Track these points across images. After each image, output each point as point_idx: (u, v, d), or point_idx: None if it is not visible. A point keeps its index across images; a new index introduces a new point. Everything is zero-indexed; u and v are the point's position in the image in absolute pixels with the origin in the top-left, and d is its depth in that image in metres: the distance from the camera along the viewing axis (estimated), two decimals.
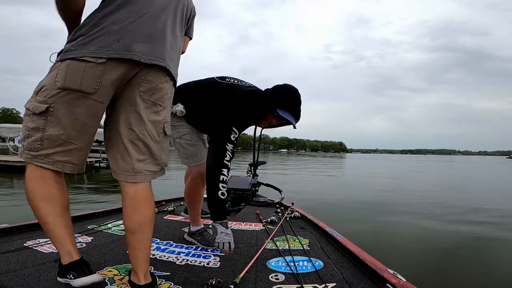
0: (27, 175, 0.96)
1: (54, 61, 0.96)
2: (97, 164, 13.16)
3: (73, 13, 0.95)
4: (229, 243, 1.32)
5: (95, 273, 0.98)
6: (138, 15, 0.97)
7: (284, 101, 1.37)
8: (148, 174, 1.04)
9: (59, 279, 1.00)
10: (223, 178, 1.33)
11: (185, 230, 1.82)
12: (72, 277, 0.94)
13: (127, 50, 0.94)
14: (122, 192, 1.03)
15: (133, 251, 1.00)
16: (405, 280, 1.07)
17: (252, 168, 3.24)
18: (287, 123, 1.43)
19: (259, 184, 3.10)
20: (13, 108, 65.59)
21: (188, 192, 1.66)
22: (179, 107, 1.51)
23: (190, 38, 1.32)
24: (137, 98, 0.99)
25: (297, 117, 1.41)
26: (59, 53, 0.96)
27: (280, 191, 2.95)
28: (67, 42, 0.95)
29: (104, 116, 1.04)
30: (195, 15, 1.27)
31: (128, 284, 1.02)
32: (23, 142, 0.95)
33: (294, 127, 1.41)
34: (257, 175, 3.22)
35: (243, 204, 2.66)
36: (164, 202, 2.54)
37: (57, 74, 0.90)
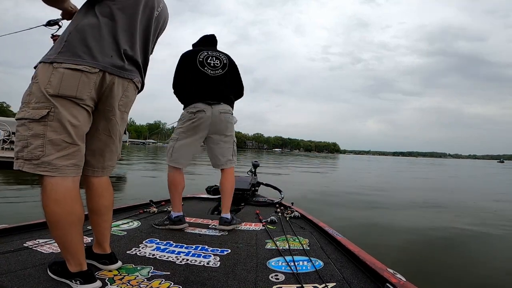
0: (46, 194, 0.96)
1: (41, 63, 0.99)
2: None
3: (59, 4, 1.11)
4: None
5: (97, 280, 1.05)
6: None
7: None
8: (111, 169, 1.22)
9: (51, 274, 1.06)
10: None
11: (186, 231, 1.83)
12: (78, 283, 1.01)
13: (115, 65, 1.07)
14: (87, 182, 1.16)
15: (101, 230, 1.20)
16: (405, 280, 1.08)
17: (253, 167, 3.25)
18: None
19: (258, 184, 3.10)
20: (3, 102, 64.95)
21: (230, 186, 2.02)
22: (236, 118, 2.09)
23: None
24: (116, 110, 1.12)
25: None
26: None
27: (280, 191, 2.96)
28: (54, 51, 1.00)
29: None
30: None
31: (128, 283, 1.06)
32: (20, 153, 0.94)
33: None
34: (256, 175, 3.23)
35: (242, 204, 2.67)
36: (163, 203, 2.53)
37: (49, 82, 0.94)
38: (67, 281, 1.02)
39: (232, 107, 2.05)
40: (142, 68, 1.22)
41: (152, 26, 1.22)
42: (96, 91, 1.03)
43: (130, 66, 1.12)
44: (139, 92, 1.29)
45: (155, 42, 1.35)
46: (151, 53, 1.38)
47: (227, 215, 1.92)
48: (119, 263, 1.23)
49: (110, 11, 1.04)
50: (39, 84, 0.95)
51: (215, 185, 2.94)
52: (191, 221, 2.05)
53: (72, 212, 0.98)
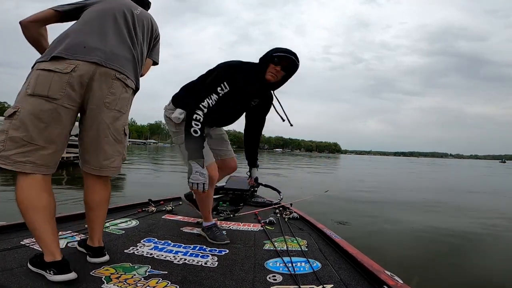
0: (17, 185, 1.04)
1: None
2: (77, 161, 12.15)
3: (33, 40, 1.22)
4: (203, 184, 1.38)
5: (71, 272, 1.05)
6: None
7: (277, 49, 1.51)
8: (112, 169, 1.24)
9: (30, 266, 1.09)
10: (195, 117, 1.41)
11: (184, 230, 1.83)
12: (52, 273, 1.03)
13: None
14: (85, 177, 1.23)
15: (91, 224, 1.25)
16: (402, 282, 1.07)
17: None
18: (289, 66, 1.50)
19: (258, 184, 3.09)
20: (4, 102, 65.43)
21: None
22: (175, 114, 1.60)
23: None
24: (103, 108, 1.15)
25: (292, 53, 1.49)
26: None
27: (279, 192, 2.95)
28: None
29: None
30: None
31: (125, 282, 1.08)
32: None
33: (297, 61, 1.51)
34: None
35: (241, 204, 2.66)
36: (162, 202, 2.53)
37: (29, 83, 1.05)
38: (43, 272, 1.04)
39: (174, 103, 1.67)
40: (132, 67, 1.25)
41: (129, 23, 1.26)
42: (74, 90, 1.08)
43: (111, 61, 1.16)
44: (135, 91, 1.31)
45: (150, 44, 1.41)
46: (156, 63, 1.48)
47: (204, 223, 1.74)
48: (104, 259, 1.25)
49: (83, 18, 1.17)
50: (24, 86, 1.06)
51: (215, 185, 2.93)
52: (190, 220, 2.05)
53: (38, 199, 1.04)
